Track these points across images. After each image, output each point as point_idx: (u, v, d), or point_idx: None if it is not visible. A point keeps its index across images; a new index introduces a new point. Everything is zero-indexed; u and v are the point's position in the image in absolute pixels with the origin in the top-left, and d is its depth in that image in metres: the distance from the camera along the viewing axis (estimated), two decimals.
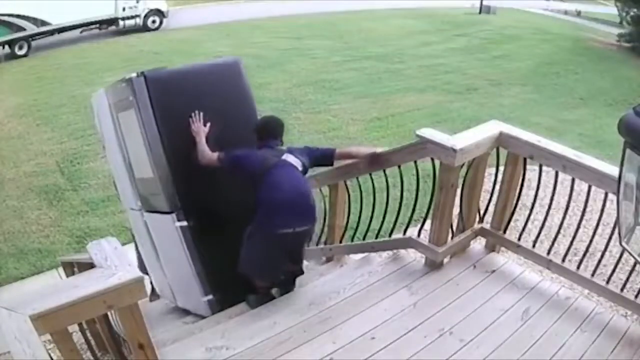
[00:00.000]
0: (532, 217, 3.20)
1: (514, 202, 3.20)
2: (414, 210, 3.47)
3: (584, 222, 2.93)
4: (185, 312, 3.83)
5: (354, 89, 11.44)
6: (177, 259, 3.52)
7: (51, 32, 14.98)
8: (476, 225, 3.32)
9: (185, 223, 3.36)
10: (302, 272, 3.46)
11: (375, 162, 3.35)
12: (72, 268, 4.15)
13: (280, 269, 3.28)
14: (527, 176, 3.15)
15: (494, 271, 3.16)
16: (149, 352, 2.11)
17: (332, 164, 3.44)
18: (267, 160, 3.09)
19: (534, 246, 3.13)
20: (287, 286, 3.36)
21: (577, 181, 2.84)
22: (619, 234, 1.53)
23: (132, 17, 16.30)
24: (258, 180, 3.06)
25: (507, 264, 3.24)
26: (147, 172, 3.44)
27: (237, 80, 3.61)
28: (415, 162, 3.26)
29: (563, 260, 3.00)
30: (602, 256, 2.84)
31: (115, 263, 2.06)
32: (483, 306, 2.88)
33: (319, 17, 18.43)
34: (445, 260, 3.25)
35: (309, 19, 18.20)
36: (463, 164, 2.99)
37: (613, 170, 2.43)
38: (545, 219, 3.08)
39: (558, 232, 3.06)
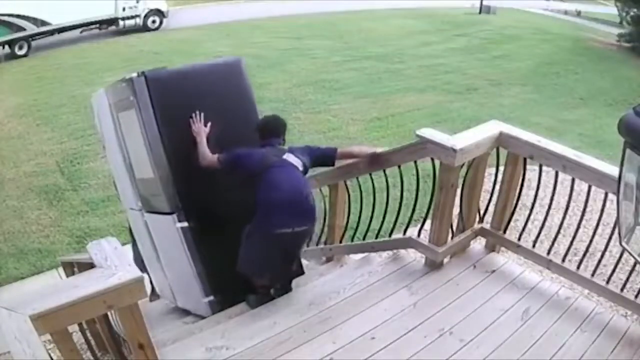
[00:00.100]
0: (532, 217, 3.20)
1: (514, 202, 3.20)
2: (414, 210, 3.47)
3: (584, 222, 2.93)
4: (185, 312, 3.82)
5: (354, 89, 11.43)
6: (177, 259, 3.52)
7: (51, 32, 14.96)
8: (476, 225, 3.32)
9: (186, 224, 3.34)
10: (302, 272, 3.45)
11: (376, 162, 3.35)
12: (72, 268, 4.15)
13: (279, 268, 3.27)
14: (527, 176, 3.15)
15: (494, 271, 3.16)
16: (149, 352, 2.11)
17: (333, 164, 3.41)
18: (267, 159, 3.08)
19: (534, 246, 3.13)
20: (285, 287, 3.35)
21: (577, 181, 2.84)
22: (619, 234, 1.53)
23: (132, 17, 16.29)
24: (257, 179, 3.05)
25: (507, 264, 3.24)
26: (148, 172, 3.43)
27: (238, 80, 3.59)
28: (415, 162, 3.26)
29: (563, 260, 3.00)
30: (602, 256, 2.84)
31: (115, 263, 2.05)
32: (483, 306, 2.88)
33: (319, 17, 18.42)
34: (445, 260, 3.25)
35: (309, 19, 18.20)
36: (463, 164, 2.99)
37: (613, 170, 2.43)
38: (545, 219, 3.08)
39: (558, 232, 3.06)
